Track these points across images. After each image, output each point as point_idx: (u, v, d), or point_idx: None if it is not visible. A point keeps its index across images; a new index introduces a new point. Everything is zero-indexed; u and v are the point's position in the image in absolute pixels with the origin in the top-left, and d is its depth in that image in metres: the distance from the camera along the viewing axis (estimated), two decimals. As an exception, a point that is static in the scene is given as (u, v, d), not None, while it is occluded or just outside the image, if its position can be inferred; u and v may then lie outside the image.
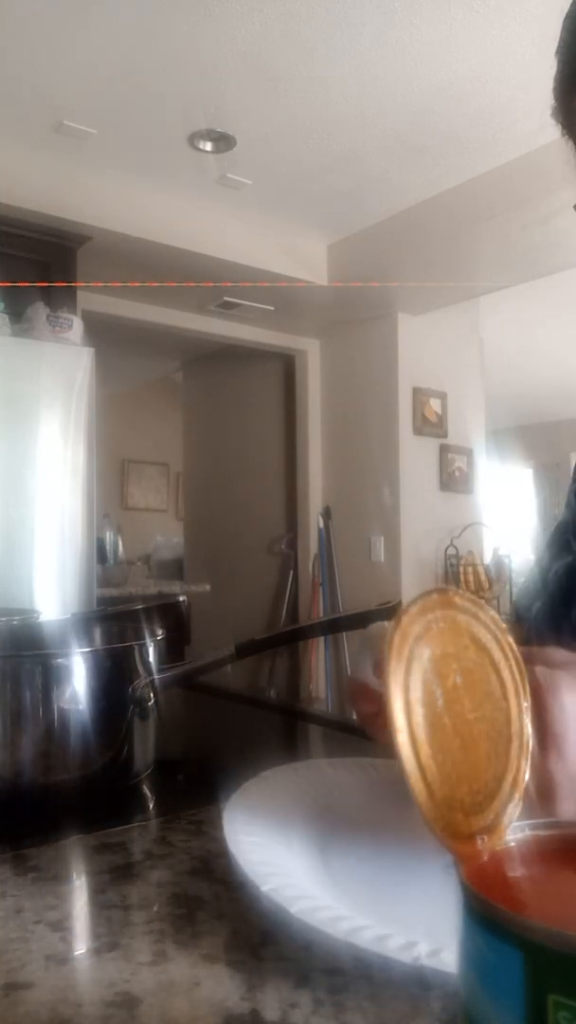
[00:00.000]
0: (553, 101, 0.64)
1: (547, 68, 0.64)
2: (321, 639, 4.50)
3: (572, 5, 0.61)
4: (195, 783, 0.77)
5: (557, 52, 0.62)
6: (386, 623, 0.39)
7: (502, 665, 0.36)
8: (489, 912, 0.24)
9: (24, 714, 0.67)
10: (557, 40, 0.62)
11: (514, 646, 0.37)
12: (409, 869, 0.48)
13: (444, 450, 4.57)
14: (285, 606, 5.00)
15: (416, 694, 0.32)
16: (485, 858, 0.29)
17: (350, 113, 2.85)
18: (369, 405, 4.56)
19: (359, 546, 4.60)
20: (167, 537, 6.48)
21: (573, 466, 0.85)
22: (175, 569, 6.00)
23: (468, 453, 4.71)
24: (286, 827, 0.54)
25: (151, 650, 0.74)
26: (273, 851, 0.49)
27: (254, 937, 0.44)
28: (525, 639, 0.42)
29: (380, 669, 0.33)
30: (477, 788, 0.32)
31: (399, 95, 2.73)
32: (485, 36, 2.41)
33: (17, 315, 2.97)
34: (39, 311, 2.99)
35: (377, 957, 0.39)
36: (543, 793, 0.43)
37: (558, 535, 0.80)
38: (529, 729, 0.35)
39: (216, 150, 3.09)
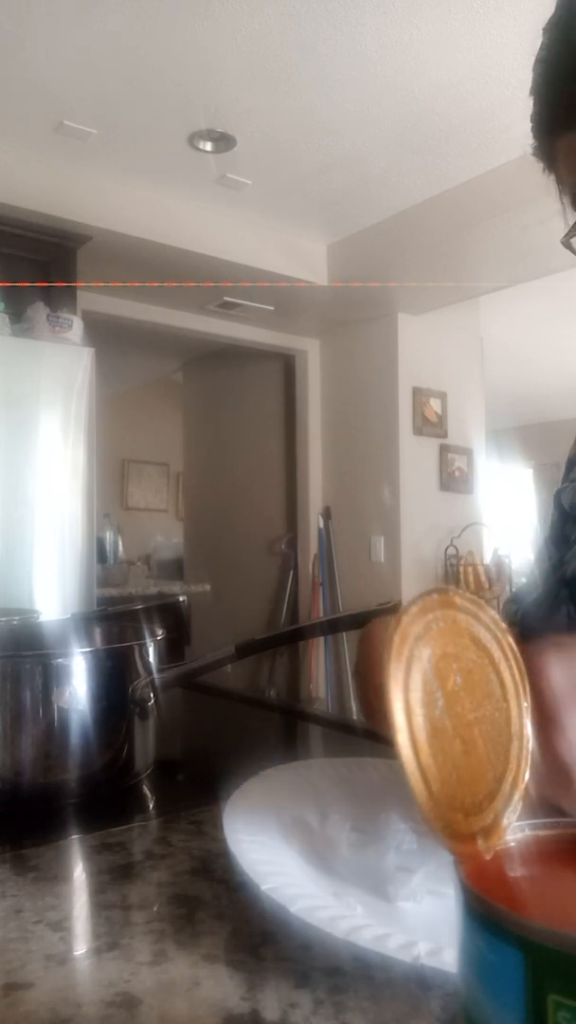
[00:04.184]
0: (533, 140, 0.63)
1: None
2: (321, 639, 4.50)
3: (540, 50, 0.59)
4: (195, 783, 0.77)
5: (531, 92, 0.60)
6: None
7: (502, 665, 0.36)
8: (489, 912, 0.24)
9: (24, 714, 0.67)
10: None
11: (514, 646, 0.37)
12: (409, 868, 0.48)
13: (444, 450, 4.57)
14: (285, 606, 5.00)
15: (416, 694, 0.32)
16: (485, 858, 0.29)
17: (350, 113, 2.85)
18: (369, 405, 4.56)
19: (359, 546, 4.60)
20: (167, 537, 6.49)
21: (563, 472, 0.84)
22: (175, 569, 6.00)
23: (468, 453, 4.71)
24: (286, 827, 0.54)
25: (151, 650, 0.74)
26: (273, 851, 0.49)
27: (254, 937, 0.44)
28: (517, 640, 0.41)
29: (380, 669, 0.33)
30: (477, 788, 0.32)
31: (399, 95, 2.73)
32: (485, 36, 2.41)
33: (17, 315, 2.97)
34: (39, 311, 2.99)
35: (377, 956, 0.39)
36: (557, 779, 0.41)
37: (545, 545, 0.81)
38: (529, 729, 0.35)
39: (216, 150, 3.09)
